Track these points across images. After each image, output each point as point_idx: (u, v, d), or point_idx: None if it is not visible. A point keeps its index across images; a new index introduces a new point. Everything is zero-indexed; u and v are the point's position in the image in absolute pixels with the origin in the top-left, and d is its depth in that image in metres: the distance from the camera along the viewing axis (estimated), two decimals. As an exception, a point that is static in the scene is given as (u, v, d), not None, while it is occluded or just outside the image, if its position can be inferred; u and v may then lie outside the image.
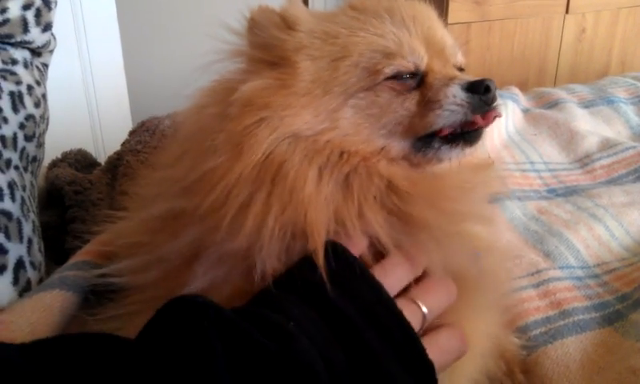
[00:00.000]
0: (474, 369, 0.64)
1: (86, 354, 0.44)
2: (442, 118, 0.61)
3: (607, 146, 1.43)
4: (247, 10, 0.65)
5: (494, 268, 0.68)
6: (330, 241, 0.55)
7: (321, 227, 0.54)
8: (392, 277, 0.56)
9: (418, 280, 0.58)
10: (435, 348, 0.53)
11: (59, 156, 1.28)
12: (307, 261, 0.54)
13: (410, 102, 0.62)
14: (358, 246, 0.56)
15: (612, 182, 1.31)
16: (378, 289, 0.54)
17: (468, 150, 0.64)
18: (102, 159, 1.42)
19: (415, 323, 0.54)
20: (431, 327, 0.57)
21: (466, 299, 0.61)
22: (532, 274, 0.96)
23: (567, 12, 2.81)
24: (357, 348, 0.49)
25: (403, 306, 0.54)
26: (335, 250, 0.54)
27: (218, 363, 0.43)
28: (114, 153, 1.24)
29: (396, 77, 0.62)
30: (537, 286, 0.93)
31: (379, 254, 0.58)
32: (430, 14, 0.69)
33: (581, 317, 0.85)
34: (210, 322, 0.46)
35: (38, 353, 0.44)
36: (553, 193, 1.30)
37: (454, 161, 0.64)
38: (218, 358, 0.44)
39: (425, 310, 0.56)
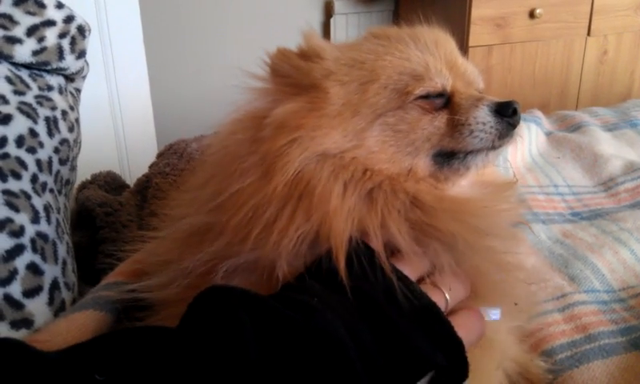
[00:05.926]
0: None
1: (128, 344, 0.46)
2: (472, 145, 0.64)
3: (631, 169, 1.42)
4: (265, 55, 0.68)
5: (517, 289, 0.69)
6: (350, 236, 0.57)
7: (343, 234, 0.56)
8: (408, 268, 0.58)
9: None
10: (461, 327, 0.54)
11: (88, 178, 1.30)
12: (326, 257, 0.56)
13: (440, 120, 0.65)
14: (374, 245, 0.58)
15: (636, 205, 1.29)
16: (399, 275, 0.55)
17: (492, 155, 0.66)
18: (128, 180, 1.44)
19: (440, 305, 0.55)
20: (450, 311, 0.59)
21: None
22: (557, 298, 0.96)
23: (589, 34, 2.80)
24: (382, 326, 0.51)
25: (427, 289, 0.56)
26: (355, 243, 0.56)
27: (247, 337, 0.45)
28: (143, 175, 1.26)
29: (425, 97, 0.65)
30: (562, 309, 0.93)
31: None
32: (450, 40, 0.72)
33: (607, 341, 0.85)
34: (237, 301, 0.48)
35: (82, 352, 0.46)
36: (577, 216, 1.29)
37: (480, 166, 0.67)
38: (247, 331, 0.45)
39: (447, 295, 0.58)
